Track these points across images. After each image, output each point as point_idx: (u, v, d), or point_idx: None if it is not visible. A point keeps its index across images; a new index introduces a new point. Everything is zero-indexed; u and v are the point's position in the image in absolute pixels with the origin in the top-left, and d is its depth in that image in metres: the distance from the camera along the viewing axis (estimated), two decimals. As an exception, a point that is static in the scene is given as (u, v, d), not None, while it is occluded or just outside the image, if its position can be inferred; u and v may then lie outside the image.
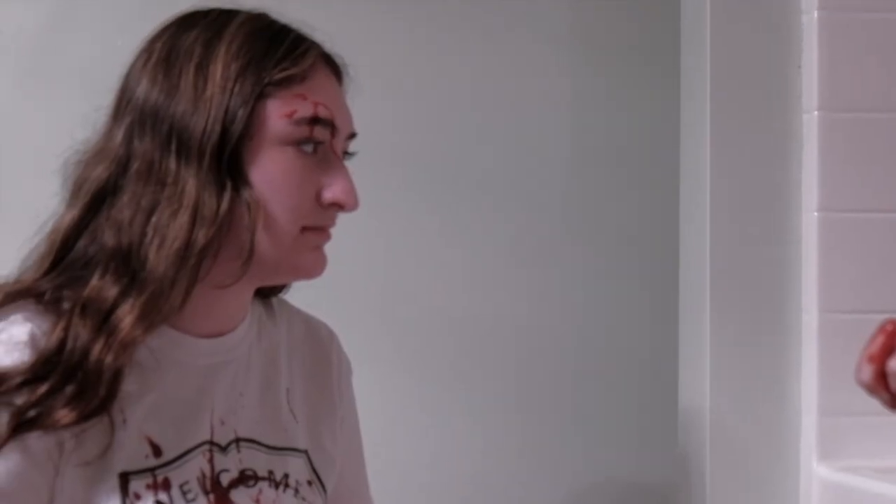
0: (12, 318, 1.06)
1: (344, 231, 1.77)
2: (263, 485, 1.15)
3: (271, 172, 1.08)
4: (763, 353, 1.65)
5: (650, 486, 1.84)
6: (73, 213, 1.10)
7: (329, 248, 1.77)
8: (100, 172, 1.09)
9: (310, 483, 1.19)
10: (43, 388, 1.02)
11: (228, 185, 1.06)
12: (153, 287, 1.04)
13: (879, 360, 1.15)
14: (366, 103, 1.78)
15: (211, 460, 1.12)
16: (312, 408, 1.23)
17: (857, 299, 1.62)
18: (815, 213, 1.64)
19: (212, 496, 1.11)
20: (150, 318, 1.05)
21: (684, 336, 1.76)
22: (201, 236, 1.05)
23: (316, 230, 1.12)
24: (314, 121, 1.10)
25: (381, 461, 1.68)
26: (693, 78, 1.73)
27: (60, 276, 1.08)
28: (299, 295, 1.72)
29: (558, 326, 1.83)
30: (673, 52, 1.79)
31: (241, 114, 1.07)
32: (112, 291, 1.05)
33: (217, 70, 1.07)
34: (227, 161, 1.06)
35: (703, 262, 1.67)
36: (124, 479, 1.07)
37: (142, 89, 1.10)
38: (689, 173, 1.75)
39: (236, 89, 1.07)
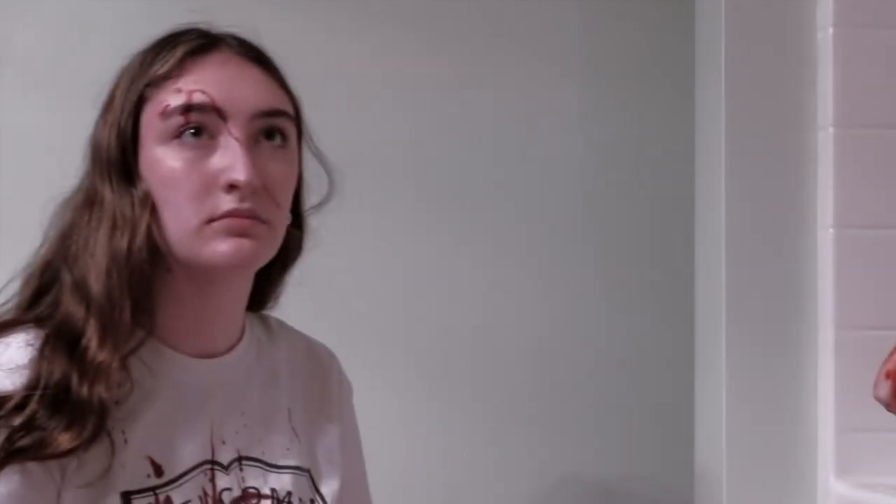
0: (12, 340, 1.08)
1: (358, 243, 1.79)
2: (266, 503, 1.16)
3: (157, 171, 1.09)
4: (779, 369, 1.65)
5: (667, 501, 1.83)
6: (44, 248, 1.15)
7: (341, 260, 1.78)
8: (67, 218, 1.15)
9: (312, 501, 1.20)
10: (39, 414, 1.04)
11: (134, 192, 1.09)
12: (101, 309, 1.07)
13: (897, 377, 1.15)
14: (381, 116, 1.82)
15: (213, 479, 1.13)
16: (314, 428, 1.24)
17: (874, 315, 1.62)
18: (831, 230, 1.64)
19: None
20: (112, 338, 1.07)
21: (700, 352, 1.75)
22: (123, 243, 1.08)
23: (221, 218, 1.08)
24: (187, 109, 1.09)
25: (395, 468, 1.69)
26: (708, 94, 1.73)
27: (40, 308, 1.12)
28: (313, 308, 1.73)
29: (574, 339, 1.83)
30: (688, 68, 1.79)
31: (127, 122, 1.11)
32: (77, 318, 1.08)
33: (118, 91, 1.14)
34: (126, 168, 1.10)
35: (718, 279, 1.66)
36: (126, 498, 1.07)
37: (92, 130, 1.16)
38: (705, 189, 1.75)
39: (125, 101, 1.12)
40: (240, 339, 1.19)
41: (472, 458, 1.80)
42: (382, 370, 1.78)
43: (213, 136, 1.10)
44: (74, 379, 1.05)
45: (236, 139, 1.09)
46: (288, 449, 1.19)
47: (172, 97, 1.10)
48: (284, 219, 1.14)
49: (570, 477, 1.82)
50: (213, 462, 1.13)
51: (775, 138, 1.67)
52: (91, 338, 1.07)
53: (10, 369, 1.06)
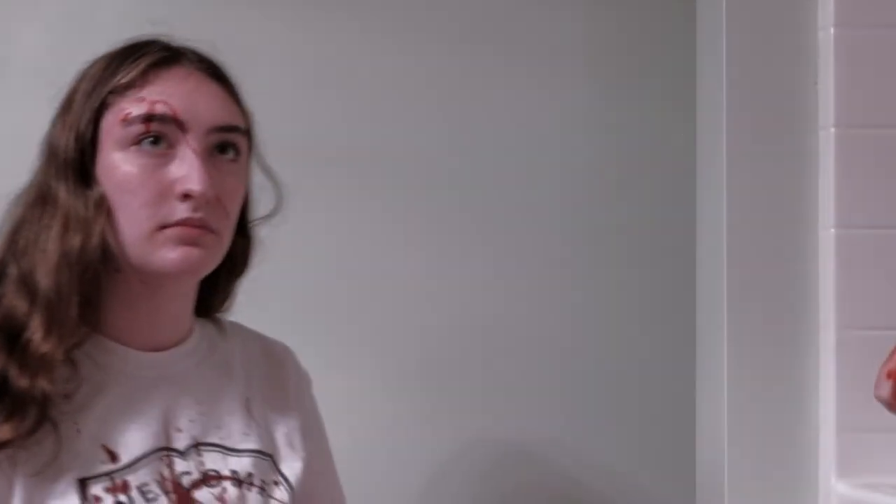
0: None
1: (365, 240, 1.79)
2: (227, 483, 1.19)
3: (114, 176, 1.13)
4: (780, 369, 1.65)
5: (669, 501, 1.83)
6: None
7: (345, 257, 1.78)
8: (17, 213, 1.19)
9: (276, 483, 1.23)
10: None
11: (90, 194, 1.13)
12: (48, 304, 1.11)
13: (898, 376, 1.15)
14: (383, 116, 1.82)
15: (170, 465, 1.16)
16: (273, 416, 1.27)
17: (875, 316, 1.62)
18: (832, 230, 1.63)
19: (173, 496, 1.15)
20: (57, 332, 1.10)
21: (702, 351, 1.75)
22: (76, 242, 1.11)
23: (174, 226, 1.13)
24: (149, 119, 1.13)
25: (385, 463, 1.69)
26: (709, 94, 1.73)
27: None
28: (314, 307, 1.73)
29: (575, 339, 1.83)
30: (689, 68, 1.79)
31: (87, 126, 1.14)
32: (19, 312, 1.11)
33: (78, 94, 1.17)
34: (84, 171, 1.14)
35: (719, 279, 1.66)
36: (82, 484, 1.11)
37: (48, 129, 1.20)
38: (706, 190, 1.75)
39: (86, 106, 1.15)
40: (189, 335, 1.24)
41: (469, 458, 1.80)
42: (383, 369, 1.78)
43: (171, 146, 1.14)
44: (14, 371, 1.09)
45: (194, 151, 1.13)
46: (246, 434, 1.23)
47: (134, 106, 1.14)
48: (232, 229, 1.19)
49: (570, 475, 1.82)
50: (168, 449, 1.17)
51: (776, 138, 1.67)
52: (35, 331, 1.10)
53: None
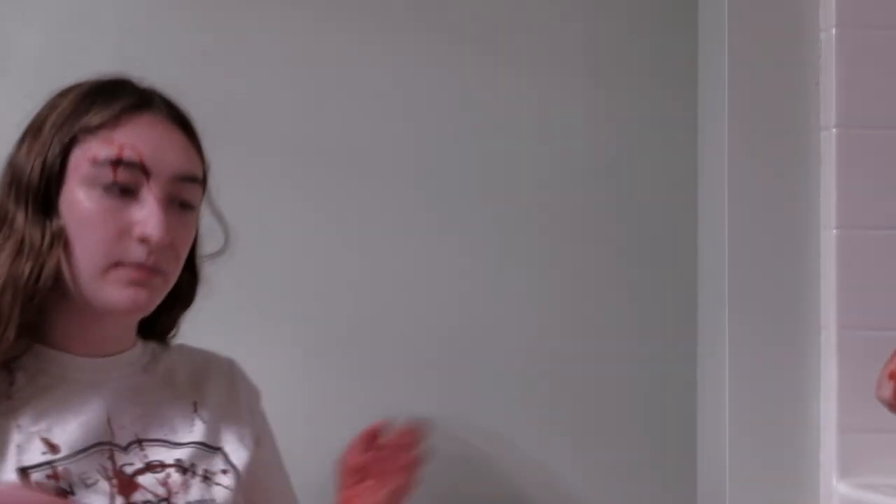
0: None
1: (361, 242, 1.79)
2: (171, 470, 1.22)
3: (76, 211, 1.17)
4: (782, 369, 1.65)
5: (670, 501, 1.83)
6: None
7: (351, 256, 1.78)
8: None
9: (223, 472, 1.26)
10: None
11: (48, 223, 1.17)
12: None
13: (900, 377, 1.15)
14: (384, 116, 1.82)
15: (111, 457, 1.20)
16: (226, 419, 1.31)
17: (876, 316, 1.62)
18: (834, 231, 1.63)
19: (115, 481, 1.18)
20: None
21: (702, 353, 1.75)
22: (26, 269, 1.15)
23: (127, 266, 1.17)
24: (117, 162, 1.17)
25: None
26: (711, 95, 1.73)
27: None
28: (315, 306, 1.73)
29: (575, 339, 1.83)
30: (691, 69, 1.79)
31: (55, 158, 1.18)
32: None
33: (48, 125, 1.21)
34: (46, 201, 1.18)
35: (720, 279, 1.66)
36: (24, 472, 1.14)
37: (10, 154, 1.23)
38: (707, 190, 1.75)
39: (56, 138, 1.19)
40: (131, 347, 1.28)
41: (466, 457, 1.80)
42: (383, 370, 1.78)
43: (134, 191, 1.18)
44: None
45: (155, 197, 1.19)
46: (191, 430, 1.26)
47: (104, 147, 1.18)
48: (179, 269, 1.25)
49: (569, 473, 1.82)
50: (110, 444, 1.20)
51: (778, 139, 1.67)
52: None
53: None
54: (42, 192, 1.18)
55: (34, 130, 1.22)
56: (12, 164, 1.21)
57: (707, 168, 1.75)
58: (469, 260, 1.81)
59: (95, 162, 1.18)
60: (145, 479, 1.20)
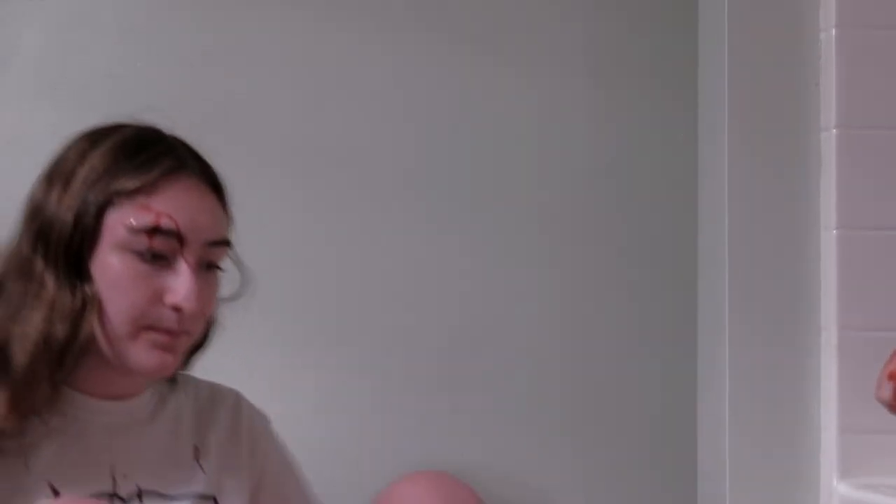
0: None
1: (361, 241, 1.79)
2: None
3: (109, 275, 1.16)
4: (782, 370, 1.65)
5: (670, 501, 1.83)
6: None
7: (349, 257, 1.78)
8: None
9: None
10: None
11: (78, 284, 1.15)
12: (18, 381, 1.14)
13: (900, 378, 1.15)
14: (385, 116, 1.82)
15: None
16: (225, 462, 1.30)
17: (877, 317, 1.62)
18: (834, 231, 1.63)
19: None
20: (20, 410, 1.14)
21: (703, 352, 1.75)
22: (59, 332, 1.14)
23: (156, 330, 1.17)
24: (154, 231, 1.16)
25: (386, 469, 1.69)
26: (711, 96, 1.73)
27: None
28: (318, 306, 1.72)
29: (575, 338, 1.83)
30: (691, 69, 1.79)
31: (89, 220, 1.16)
32: None
33: (79, 178, 1.18)
34: (77, 261, 1.16)
35: (721, 280, 1.66)
36: None
37: (33, 194, 1.21)
38: (707, 191, 1.75)
39: (89, 197, 1.17)
40: (142, 389, 1.27)
41: (464, 463, 1.80)
42: (382, 369, 1.78)
43: (169, 258, 1.18)
44: None
45: (189, 265, 1.18)
46: (188, 482, 1.26)
47: (142, 216, 1.16)
48: (203, 327, 1.25)
49: (568, 473, 1.82)
50: (113, 495, 1.20)
51: (778, 139, 1.67)
52: (1, 405, 1.13)
53: None
54: (74, 252, 1.16)
55: (63, 180, 1.19)
56: (40, 212, 1.19)
57: (707, 168, 1.75)
58: (469, 259, 1.81)
59: (131, 229, 1.16)
60: None
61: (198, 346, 1.30)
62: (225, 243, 1.23)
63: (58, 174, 1.19)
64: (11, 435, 1.15)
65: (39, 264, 1.17)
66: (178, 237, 1.17)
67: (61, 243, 1.16)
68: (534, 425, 1.81)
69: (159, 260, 1.17)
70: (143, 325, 1.16)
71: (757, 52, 1.67)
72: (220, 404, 1.34)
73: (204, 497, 1.26)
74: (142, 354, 1.17)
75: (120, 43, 1.77)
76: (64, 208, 1.17)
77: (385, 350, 1.78)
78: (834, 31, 1.65)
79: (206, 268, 1.21)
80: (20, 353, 1.14)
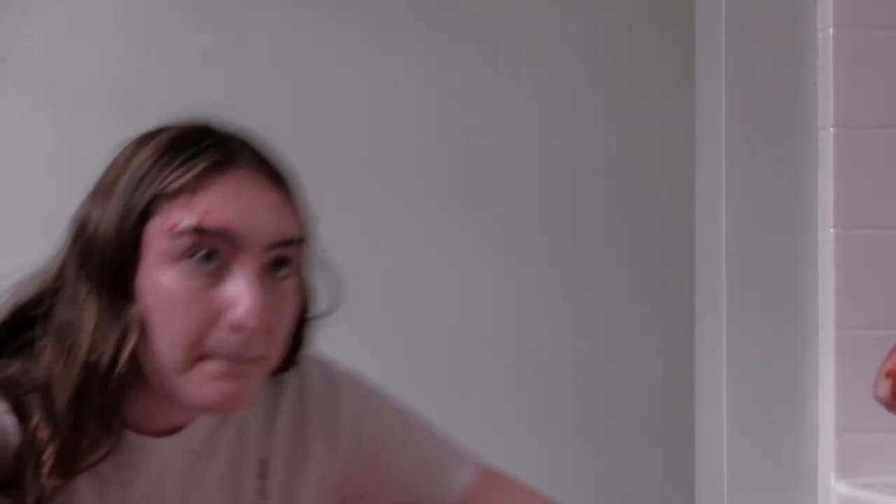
0: None
1: (361, 241, 1.80)
2: None
3: (156, 295, 0.98)
4: (780, 369, 1.65)
5: (668, 500, 1.83)
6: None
7: (349, 258, 1.78)
8: (30, 291, 1.05)
9: None
10: None
11: (123, 308, 0.99)
12: (62, 431, 0.99)
13: (897, 376, 1.15)
14: (384, 115, 1.82)
15: None
16: (293, 473, 1.14)
17: (874, 316, 1.62)
18: (832, 230, 1.64)
19: None
20: (66, 465, 0.99)
21: (701, 351, 1.75)
22: (102, 364, 0.98)
23: (216, 358, 0.98)
24: (199, 232, 0.97)
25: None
26: (709, 95, 1.73)
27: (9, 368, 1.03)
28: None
29: (574, 338, 1.83)
30: (688, 69, 1.79)
31: (129, 233, 0.99)
32: (42, 432, 0.99)
33: (121, 187, 1.01)
34: (122, 282, 0.99)
35: (718, 280, 1.67)
36: None
37: (78, 212, 1.05)
38: (705, 191, 1.75)
39: (129, 206, 1.00)
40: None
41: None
42: (382, 369, 1.78)
43: (222, 265, 0.99)
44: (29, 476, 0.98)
45: (246, 274, 0.99)
46: None
47: (184, 215, 0.98)
48: (281, 348, 1.05)
49: (567, 473, 1.83)
50: None
51: (776, 139, 1.67)
52: (48, 459, 0.98)
53: None
54: (116, 271, 0.99)
55: (105, 192, 1.02)
56: (83, 230, 1.02)
57: (705, 167, 1.75)
58: (468, 259, 1.81)
59: (173, 233, 0.97)
60: None
61: (277, 370, 1.11)
62: (293, 243, 1.03)
63: (101, 186, 1.03)
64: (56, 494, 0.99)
65: (84, 289, 1.00)
66: (229, 239, 0.98)
67: (105, 262, 0.99)
68: (532, 424, 1.82)
69: (212, 272, 0.98)
70: (199, 354, 0.98)
71: (755, 52, 1.67)
72: (284, 396, 1.15)
73: None
74: (200, 388, 0.98)
75: (120, 43, 1.77)
76: (105, 223, 1.00)
77: (385, 350, 1.79)
78: (832, 31, 1.65)
79: (277, 277, 1.01)
80: (61, 392, 0.99)
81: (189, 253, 0.97)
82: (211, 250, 0.98)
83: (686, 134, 1.80)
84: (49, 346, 1.01)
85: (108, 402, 0.99)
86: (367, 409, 1.23)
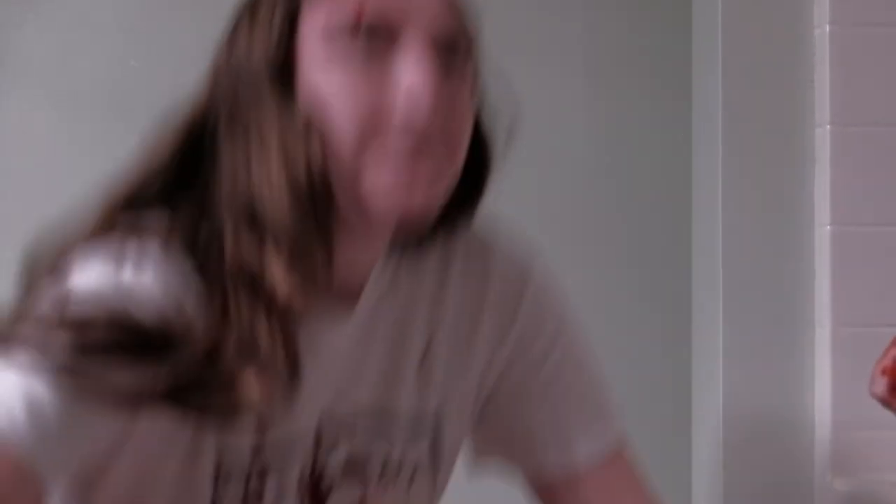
0: (141, 256, 0.88)
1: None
2: (373, 474, 1.01)
3: (318, 97, 0.89)
4: (776, 366, 1.66)
5: (665, 497, 1.84)
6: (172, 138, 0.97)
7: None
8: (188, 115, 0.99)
9: (434, 469, 1.06)
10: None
11: (298, 117, 0.89)
12: (289, 241, 0.87)
13: (893, 373, 1.16)
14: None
15: (318, 442, 0.98)
16: (458, 352, 1.04)
17: (871, 313, 1.62)
18: (828, 227, 1.64)
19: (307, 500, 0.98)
20: (306, 282, 0.87)
21: (697, 349, 1.76)
22: (301, 175, 0.87)
23: (385, 151, 0.88)
24: (356, 26, 0.88)
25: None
26: (705, 92, 1.73)
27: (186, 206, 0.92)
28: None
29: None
30: (685, 65, 1.79)
31: (281, 40, 0.91)
32: (253, 253, 0.87)
33: (263, 2, 0.93)
34: (288, 91, 0.90)
35: (715, 277, 1.67)
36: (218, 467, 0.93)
37: (217, 55, 0.99)
38: (701, 188, 1.75)
39: (276, 14, 0.91)
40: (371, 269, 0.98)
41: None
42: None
43: (384, 60, 0.89)
44: (262, 332, 0.85)
45: (415, 51, 0.89)
46: (410, 395, 1.02)
47: (336, 10, 0.89)
48: (463, 153, 0.97)
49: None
50: (324, 416, 0.98)
51: (772, 135, 1.67)
52: (280, 278, 0.85)
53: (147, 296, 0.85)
54: (278, 83, 0.90)
55: (249, 12, 0.93)
56: (227, 61, 0.95)
57: (701, 164, 1.75)
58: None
59: (327, 31, 0.89)
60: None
61: (464, 196, 1.04)
62: (463, 36, 0.95)
63: (243, 12, 0.95)
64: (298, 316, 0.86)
65: (244, 110, 0.91)
66: (389, 29, 0.89)
67: (263, 78, 0.91)
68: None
69: (375, 68, 0.88)
70: (370, 134, 0.88)
71: (751, 49, 1.67)
72: (490, 293, 1.07)
73: (421, 418, 1.02)
74: (374, 175, 0.88)
75: (119, 43, 1.78)
76: (256, 43, 0.92)
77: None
78: (828, 28, 1.65)
79: (447, 77, 0.92)
80: (274, 208, 0.87)
81: (346, 50, 0.89)
82: (371, 43, 0.89)
83: (684, 133, 1.81)
84: (227, 175, 0.91)
85: (320, 218, 0.88)
86: (548, 310, 1.14)
